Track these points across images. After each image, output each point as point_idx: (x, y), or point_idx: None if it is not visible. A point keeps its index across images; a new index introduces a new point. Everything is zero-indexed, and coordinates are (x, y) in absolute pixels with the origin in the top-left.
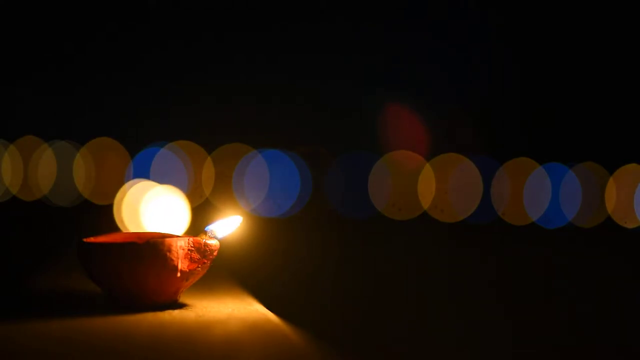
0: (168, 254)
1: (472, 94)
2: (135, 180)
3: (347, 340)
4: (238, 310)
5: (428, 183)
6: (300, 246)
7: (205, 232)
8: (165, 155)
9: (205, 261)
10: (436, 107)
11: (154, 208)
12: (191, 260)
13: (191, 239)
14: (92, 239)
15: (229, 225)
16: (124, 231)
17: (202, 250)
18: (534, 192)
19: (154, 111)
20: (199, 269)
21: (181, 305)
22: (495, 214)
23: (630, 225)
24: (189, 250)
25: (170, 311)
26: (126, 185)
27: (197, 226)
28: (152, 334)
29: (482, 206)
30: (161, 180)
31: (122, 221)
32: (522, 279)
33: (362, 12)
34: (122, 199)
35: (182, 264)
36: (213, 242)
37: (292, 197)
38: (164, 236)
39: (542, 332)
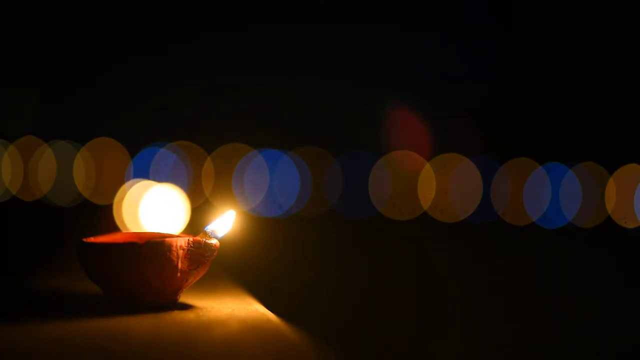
0: (168, 254)
1: (472, 94)
2: (135, 180)
3: (347, 340)
4: (238, 310)
5: (428, 183)
6: (300, 246)
7: (205, 232)
8: (165, 155)
9: (205, 261)
10: (436, 107)
11: (154, 208)
12: (191, 260)
13: (191, 239)
14: (92, 239)
15: (226, 222)
16: (124, 231)
17: (202, 250)
18: (534, 192)
19: (154, 111)
20: (199, 269)
21: (181, 305)
22: (495, 214)
23: (630, 225)
24: (189, 250)
25: (170, 311)
26: (126, 185)
27: (196, 226)
28: (152, 334)
29: (482, 206)
30: (161, 180)
31: (122, 221)
32: (522, 279)
33: (363, 12)
34: (122, 199)
35: (182, 264)
36: (213, 242)
37: (292, 197)
38: (164, 236)
39: (541, 333)
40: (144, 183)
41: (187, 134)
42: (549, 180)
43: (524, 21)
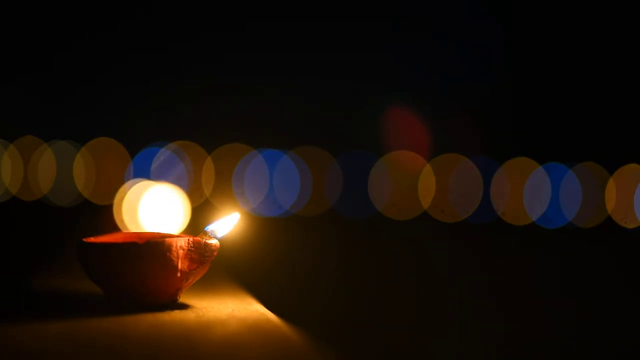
0: (168, 254)
1: (472, 94)
2: (135, 180)
3: (347, 340)
4: (238, 310)
5: (428, 183)
6: (300, 246)
7: (205, 232)
8: (165, 155)
9: (205, 261)
10: (436, 107)
11: (154, 208)
12: (191, 260)
13: (191, 239)
14: (92, 239)
15: (228, 224)
16: (124, 231)
17: (202, 250)
18: (534, 192)
19: (154, 111)
20: (199, 269)
21: (181, 305)
22: (495, 214)
23: (630, 225)
24: (189, 250)
25: (170, 311)
26: (126, 185)
27: (196, 226)
28: (152, 334)
29: (482, 206)
30: (161, 180)
31: (122, 221)
32: (522, 279)
33: (363, 12)
34: (122, 199)
35: (182, 264)
36: (213, 242)
37: (292, 197)
38: (164, 236)
39: (541, 333)
40: (144, 183)
41: (187, 134)
42: (549, 180)
43: (524, 21)
